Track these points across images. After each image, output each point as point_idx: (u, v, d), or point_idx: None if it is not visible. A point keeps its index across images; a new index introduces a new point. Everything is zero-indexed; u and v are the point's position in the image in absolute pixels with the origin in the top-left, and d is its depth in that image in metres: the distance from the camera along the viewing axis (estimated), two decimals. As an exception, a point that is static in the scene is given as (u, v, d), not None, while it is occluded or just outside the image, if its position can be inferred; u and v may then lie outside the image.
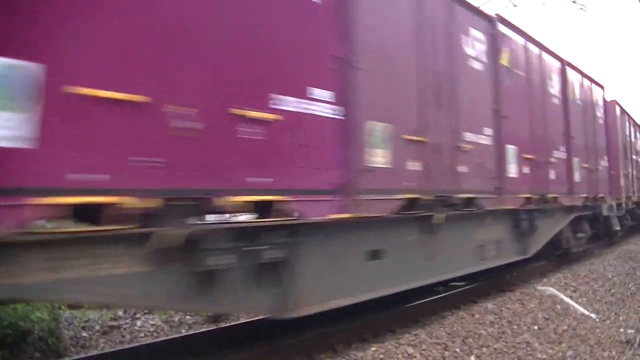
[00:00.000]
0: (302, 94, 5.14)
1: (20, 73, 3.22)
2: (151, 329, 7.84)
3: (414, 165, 6.70)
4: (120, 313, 8.19)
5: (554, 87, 11.68)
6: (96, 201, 3.57)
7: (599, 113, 15.51)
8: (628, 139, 19.36)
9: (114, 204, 3.63)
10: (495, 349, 6.84)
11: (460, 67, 7.85)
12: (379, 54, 6.22)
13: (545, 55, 11.30)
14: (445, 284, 8.92)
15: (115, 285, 3.93)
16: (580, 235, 13.52)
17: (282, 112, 4.88)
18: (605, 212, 14.95)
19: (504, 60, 9.21)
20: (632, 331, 7.85)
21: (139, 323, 7.98)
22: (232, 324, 7.52)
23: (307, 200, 5.12)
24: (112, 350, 6.61)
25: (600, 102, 15.77)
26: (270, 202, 4.76)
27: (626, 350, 7.33)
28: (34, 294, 3.65)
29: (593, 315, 9.14)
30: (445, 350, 6.49)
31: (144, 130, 3.84)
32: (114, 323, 7.86)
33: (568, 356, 6.99)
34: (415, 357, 6.11)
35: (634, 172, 20.14)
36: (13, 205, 3.18)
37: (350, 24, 5.74)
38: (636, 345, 7.41)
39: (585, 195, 13.04)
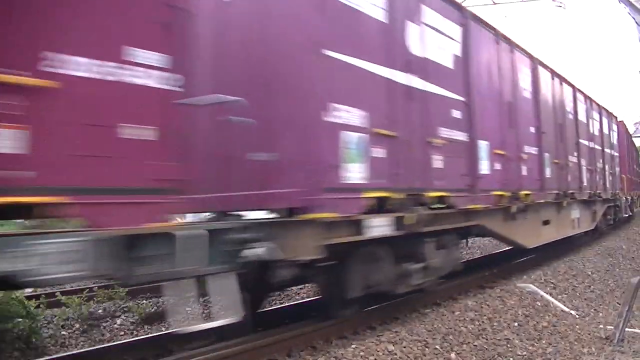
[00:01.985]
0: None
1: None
2: (131, 327, 7.74)
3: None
4: (100, 311, 8.09)
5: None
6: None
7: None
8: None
9: None
10: (475, 345, 6.82)
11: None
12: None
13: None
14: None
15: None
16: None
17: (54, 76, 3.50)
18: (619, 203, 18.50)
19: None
20: (612, 327, 7.88)
21: (118, 321, 7.87)
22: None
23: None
24: (92, 348, 6.54)
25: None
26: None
27: (605, 347, 7.37)
28: None
29: (573, 312, 9.18)
30: (426, 347, 6.45)
31: None
32: (94, 322, 7.74)
33: (548, 353, 6.99)
34: (395, 354, 6.05)
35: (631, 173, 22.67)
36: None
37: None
38: (615, 341, 7.43)
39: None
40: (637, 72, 14.01)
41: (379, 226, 6.33)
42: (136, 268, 3.94)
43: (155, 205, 4.03)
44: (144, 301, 8.55)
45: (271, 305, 8.24)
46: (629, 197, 24.22)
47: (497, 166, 9.47)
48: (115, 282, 6.71)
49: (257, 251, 4.88)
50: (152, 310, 8.21)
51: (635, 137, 29.70)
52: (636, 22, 12.08)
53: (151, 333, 7.33)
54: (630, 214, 24.29)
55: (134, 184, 3.95)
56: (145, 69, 3.99)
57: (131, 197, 3.91)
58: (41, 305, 7.49)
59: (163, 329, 7.49)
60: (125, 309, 8.22)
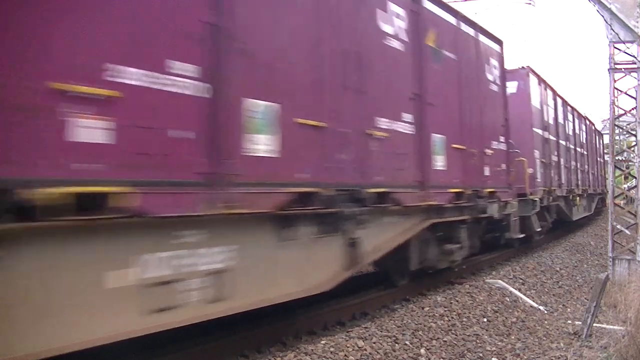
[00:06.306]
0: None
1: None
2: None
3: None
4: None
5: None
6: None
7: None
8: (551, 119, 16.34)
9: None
10: (445, 341, 6.81)
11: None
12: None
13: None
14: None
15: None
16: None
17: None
18: (494, 214, 10.31)
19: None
20: (579, 323, 7.93)
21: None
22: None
23: None
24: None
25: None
26: None
27: (573, 342, 7.41)
28: None
29: (541, 308, 9.24)
30: (396, 342, 6.42)
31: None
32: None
33: (517, 348, 7.01)
34: (365, 350, 6.01)
35: (562, 160, 17.37)
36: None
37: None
38: (583, 336, 7.49)
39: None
40: (605, 70, 13.77)
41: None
42: None
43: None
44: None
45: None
46: (537, 200, 13.72)
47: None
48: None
49: None
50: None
51: (603, 134, 29.97)
52: (604, 20, 12.20)
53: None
54: (521, 235, 12.55)
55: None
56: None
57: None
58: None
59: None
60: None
